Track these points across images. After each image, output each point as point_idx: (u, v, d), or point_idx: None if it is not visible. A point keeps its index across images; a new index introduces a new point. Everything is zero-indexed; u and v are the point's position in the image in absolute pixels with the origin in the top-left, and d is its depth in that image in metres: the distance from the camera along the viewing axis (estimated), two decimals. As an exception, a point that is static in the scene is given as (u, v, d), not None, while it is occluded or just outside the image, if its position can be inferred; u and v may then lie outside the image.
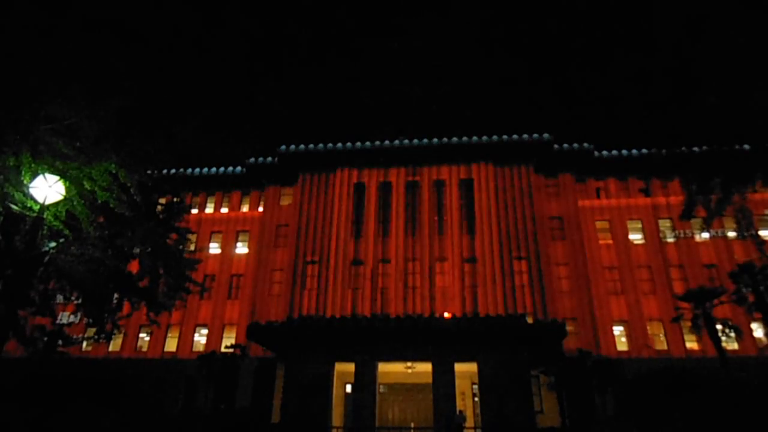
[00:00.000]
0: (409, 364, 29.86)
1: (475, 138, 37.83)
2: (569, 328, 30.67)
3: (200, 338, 36.29)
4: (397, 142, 38.39)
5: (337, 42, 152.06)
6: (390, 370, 30.26)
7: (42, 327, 25.97)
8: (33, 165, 12.39)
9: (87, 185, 13.63)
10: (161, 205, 20.72)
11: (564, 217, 36.28)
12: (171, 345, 36.05)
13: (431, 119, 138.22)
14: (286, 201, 39.45)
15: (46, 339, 25.94)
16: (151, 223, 18.41)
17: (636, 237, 35.94)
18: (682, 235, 35.04)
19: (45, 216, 11.97)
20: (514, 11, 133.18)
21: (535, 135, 36.37)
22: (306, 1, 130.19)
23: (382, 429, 29.16)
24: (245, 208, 40.53)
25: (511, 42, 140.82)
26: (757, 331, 31.32)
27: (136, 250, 18.25)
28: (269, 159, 39.57)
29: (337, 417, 29.53)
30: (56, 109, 13.41)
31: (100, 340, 20.27)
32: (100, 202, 14.42)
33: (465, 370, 28.33)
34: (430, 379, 27.67)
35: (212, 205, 41.06)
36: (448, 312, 32.04)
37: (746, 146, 18.68)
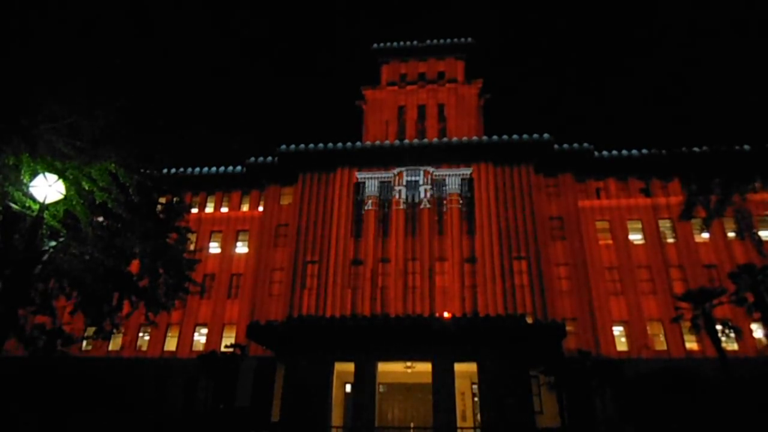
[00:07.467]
0: (408, 363, 29.86)
1: (475, 138, 37.85)
2: (569, 328, 30.66)
3: (200, 338, 36.28)
4: (397, 142, 38.40)
5: (337, 42, 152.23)
6: (390, 369, 30.25)
7: (42, 326, 25.95)
8: (32, 164, 12.37)
9: (86, 185, 13.60)
10: (161, 204, 20.72)
11: (564, 217, 36.25)
12: (171, 345, 36.06)
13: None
14: (286, 201, 39.43)
15: (45, 338, 25.89)
16: (151, 223, 18.40)
17: (636, 237, 35.90)
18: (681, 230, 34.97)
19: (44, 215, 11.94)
20: (514, 11, 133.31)
21: (535, 135, 36.32)
22: (307, 1, 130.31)
23: (382, 429, 29.16)
24: (245, 208, 40.53)
25: (511, 41, 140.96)
26: (757, 331, 31.28)
27: (136, 250, 18.23)
28: (269, 159, 39.57)
29: (336, 417, 29.52)
30: (56, 108, 13.39)
31: (99, 339, 20.28)
32: (98, 202, 14.41)
33: (465, 370, 28.32)
34: (430, 379, 27.66)
35: (212, 204, 41.05)
36: (448, 312, 32.02)
37: (746, 146, 18.72)
